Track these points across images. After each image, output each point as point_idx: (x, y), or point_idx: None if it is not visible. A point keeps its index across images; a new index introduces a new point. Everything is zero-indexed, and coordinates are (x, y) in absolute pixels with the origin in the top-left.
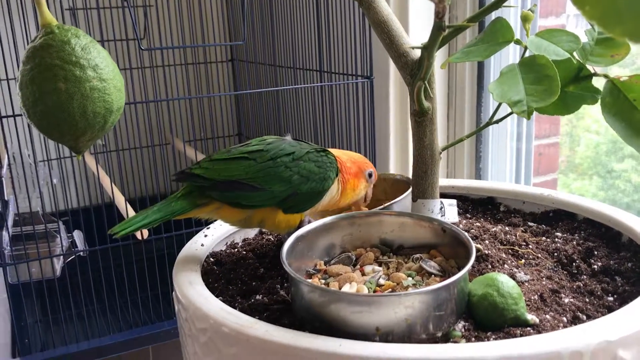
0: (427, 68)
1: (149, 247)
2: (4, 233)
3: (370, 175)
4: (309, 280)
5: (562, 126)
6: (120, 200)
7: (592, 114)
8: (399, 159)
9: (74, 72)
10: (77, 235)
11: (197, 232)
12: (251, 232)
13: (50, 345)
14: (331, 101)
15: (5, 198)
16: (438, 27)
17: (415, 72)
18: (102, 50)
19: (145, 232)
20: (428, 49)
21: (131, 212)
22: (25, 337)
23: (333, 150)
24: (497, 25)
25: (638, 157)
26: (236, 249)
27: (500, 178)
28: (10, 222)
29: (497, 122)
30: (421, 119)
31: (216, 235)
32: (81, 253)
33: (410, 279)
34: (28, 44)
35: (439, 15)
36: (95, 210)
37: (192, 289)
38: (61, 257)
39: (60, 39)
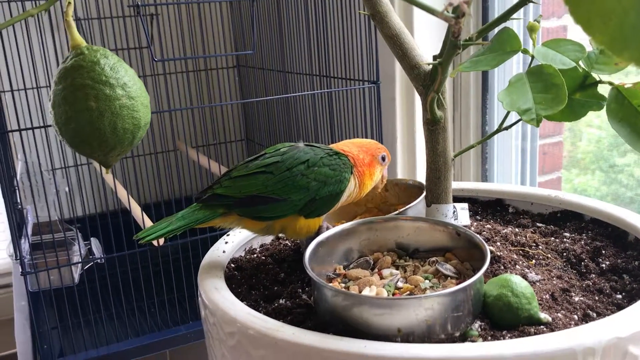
0: (441, 82)
1: (165, 252)
2: (24, 241)
3: (383, 158)
4: (332, 285)
5: (565, 123)
6: (135, 207)
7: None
8: (406, 163)
9: (104, 91)
10: (94, 243)
11: (211, 237)
12: (268, 238)
13: (69, 351)
14: (338, 106)
15: (23, 207)
16: (454, 46)
17: (428, 83)
18: (129, 69)
19: (162, 239)
20: (443, 65)
21: (147, 219)
22: (44, 344)
23: (344, 142)
24: (504, 35)
25: None
26: (255, 255)
27: (506, 178)
28: (29, 230)
29: (506, 129)
30: (434, 127)
31: (236, 241)
32: (99, 260)
33: (427, 281)
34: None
35: (455, 35)
36: (110, 217)
37: (218, 295)
38: (79, 264)
39: (90, 59)
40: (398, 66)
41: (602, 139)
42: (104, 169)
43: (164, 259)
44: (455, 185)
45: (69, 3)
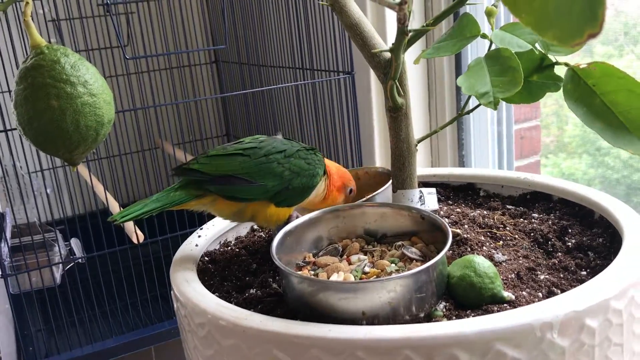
0: (396, 68)
1: (145, 250)
2: (3, 244)
3: (350, 191)
4: (299, 272)
5: (549, 106)
6: (114, 206)
7: None
8: (383, 152)
9: (65, 89)
10: (75, 243)
11: (191, 233)
12: (243, 230)
13: (54, 352)
14: (315, 97)
15: (1, 210)
16: (401, 32)
17: (388, 70)
18: (91, 67)
19: (141, 236)
20: (395, 52)
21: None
22: (29, 345)
23: (325, 161)
24: (464, 21)
25: None
26: (229, 247)
27: (483, 164)
28: (8, 233)
29: (467, 113)
30: (396, 114)
31: (209, 235)
32: (79, 260)
33: (393, 265)
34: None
35: (401, 22)
36: (89, 217)
37: (189, 287)
38: (60, 265)
39: (51, 58)
40: None
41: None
42: (79, 168)
43: (145, 257)
44: (427, 171)
45: (27, 3)
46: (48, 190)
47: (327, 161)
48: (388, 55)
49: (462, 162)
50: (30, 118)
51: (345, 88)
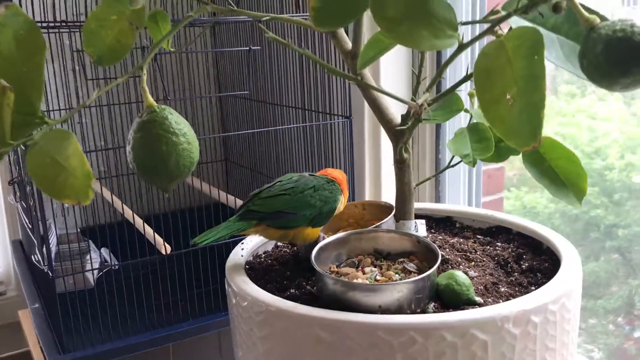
0: (408, 137)
1: (170, 260)
2: (53, 250)
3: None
4: (333, 275)
5: None
6: (137, 219)
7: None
8: (372, 187)
9: (172, 138)
10: (105, 252)
11: (209, 248)
12: (269, 246)
13: (89, 345)
14: (315, 137)
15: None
16: (418, 120)
17: (398, 133)
18: (185, 122)
19: (169, 248)
20: (409, 129)
21: (149, 229)
22: (70, 338)
23: (330, 170)
24: (452, 98)
25: (586, 170)
26: (262, 259)
27: (456, 199)
28: (54, 240)
29: (452, 166)
30: (402, 165)
31: (247, 249)
32: (114, 267)
33: (397, 275)
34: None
35: (418, 114)
36: (117, 228)
37: (246, 286)
38: (95, 270)
39: (161, 115)
40: (366, 104)
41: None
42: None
43: (169, 264)
44: (415, 205)
45: (144, 73)
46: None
47: (330, 171)
48: (398, 120)
49: (438, 197)
50: (144, 157)
51: (343, 130)
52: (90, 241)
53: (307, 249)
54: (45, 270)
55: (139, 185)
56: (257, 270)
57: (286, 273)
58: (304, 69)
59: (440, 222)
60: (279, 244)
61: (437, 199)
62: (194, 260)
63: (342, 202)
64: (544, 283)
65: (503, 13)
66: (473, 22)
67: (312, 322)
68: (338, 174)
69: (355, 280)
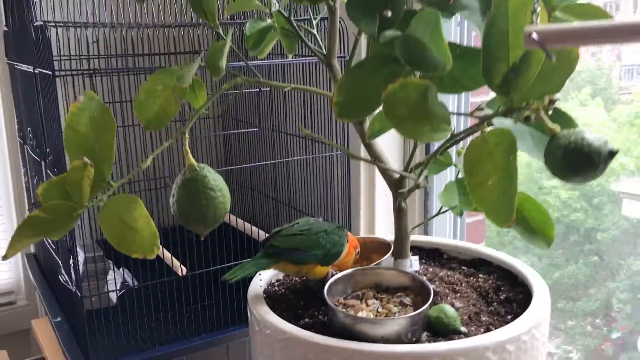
0: (407, 196)
1: (186, 281)
2: (81, 270)
3: (357, 253)
4: (344, 310)
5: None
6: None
7: None
8: (367, 222)
9: (210, 194)
10: (126, 272)
11: (220, 269)
12: (281, 275)
13: (112, 356)
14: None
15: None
16: (416, 187)
17: (397, 189)
18: (220, 178)
19: (184, 270)
20: (409, 192)
21: (168, 255)
22: (94, 350)
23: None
24: (442, 156)
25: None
26: (276, 287)
27: (441, 232)
28: (81, 262)
29: (441, 214)
30: (400, 214)
31: (264, 279)
32: (134, 286)
33: (395, 308)
34: None
35: (416, 187)
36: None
37: (268, 315)
38: (116, 290)
39: (201, 174)
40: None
41: (532, 162)
42: None
43: (185, 283)
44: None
45: (186, 137)
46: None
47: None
48: (397, 176)
49: (426, 230)
50: (187, 209)
51: (341, 165)
52: (111, 261)
53: (317, 281)
54: (74, 290)
55: (150, 201)
56: (274, 299)
57: (300, 302)
58: (307, 107)
59: (430, 253)
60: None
61: (425, 232)
62: (206, 281)
63: (346, 251)
64: (518, 313)
65: (487, 110)
66: (458, 114)
67: (326, 350)
68: (351, 235)
69: (360, 314)
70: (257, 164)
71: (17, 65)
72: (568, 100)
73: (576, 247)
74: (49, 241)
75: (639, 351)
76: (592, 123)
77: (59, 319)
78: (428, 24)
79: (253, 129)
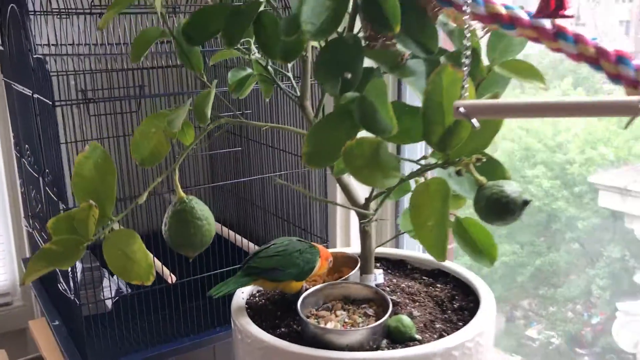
0: (371, 220)
1: (175, 288)
2: (79, 279)
3: (330, 261)
4: (314, 322)
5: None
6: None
7: (507, 123)
8: (343, 232)
9: (197, 223)
10: (120, 280)
11: (207, 276)
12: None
13: (108, 357)
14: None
15: None
16: (372, 219)
17: (363, 215)
18: (206, 207)
19: (174, 278)
20: (368, 221)
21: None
22: (92, 352)
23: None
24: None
25: (549, 163)
26: (257, 298)
27: (412, 244)
28: (79, 271)
29: (400, 235)
30: (365, 234)
31: (246, 291)
32: (127, 294)
33: (360, 318)
34: None
35: (375, 220)
36: None
37: (249, 326)
38: (111, 296)
39: (190, 205)
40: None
41: (515, 152)
42: None
43: (174, 290)
44: (379, 250)
45: (176, 173)
46: None
47: (318, 245)
48: (362, 203)
49: (397, 244)
50: (177, 236)
51: (320, 182)
52: (105, 270)
53: (295, 295)
54: (73, 298)
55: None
56: (254, 309)
57: (277, 313)
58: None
59: (396, 264)
60: None
61: (396, 245)
62: (194, 288)
63: (319, 264)
64: (468, 320)
65: (430, 159)
66: (408, 160)
67: (300, 357)
68: (323, 249)
69: (329, 324)
70: (241, 180)
71: (13, 84)
72: (550, 89)
73: (558, 235)
74: None
75: (614, 338)
76: None
77: (57, 322)
78: (378, 91)
79: (237, 149)
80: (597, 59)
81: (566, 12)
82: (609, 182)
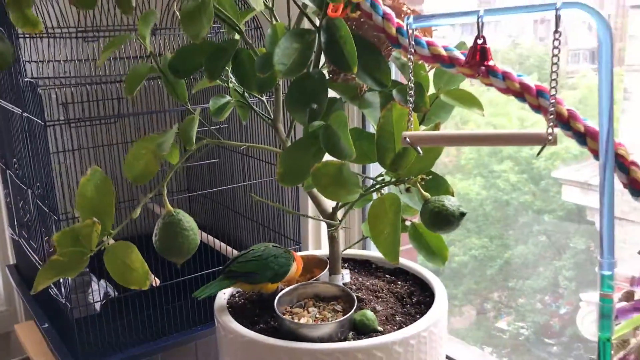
0: (337, 228)
1: (159, 290)
2: (68, 285)
3: (307, 269)
4: (289, 318)
5: (449, 129)
6: None
7: (476, 120)
8: (314, 235)
9: (184, 233)
10: (107, 284)
11: (187, 279)
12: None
13: (98, 356)
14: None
15: None
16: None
17: (330, 222)
18: (192, 219)
19: (158, 281)
20: (335, 229)
21: None
22: (83, 352)
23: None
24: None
25: (516, 158)
26: (237, 298)
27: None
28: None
29: (363, 239)
30: (332, 240)
31: (227, 292)
32: (114, 296)
33: (329, 314)
34: None
35: (340, 228)
36: None
37: (231, 324)
38: (99, 298)
39: (177, 218)
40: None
41: (482, 147)
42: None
43: (159, 292)
44: (347, 252)
45: (164, 190)
46: None
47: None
48: (330, 212)
49: (365, 245)
50: (166, 246)
51: (292, 194)
52: (93, 275)
53: (272, 295)
54: (64, 302)
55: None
56: (235, 308)
57: (256, 311)
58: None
59: (362, 264)
60: None
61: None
62: (177, 290)
63: (295, 268)
64: (424, 313)
65: (385, 177)
66: (368, 177)
67: (277, 349)
68: (297, 255)
69: (303, 320)
70: (217, 189)
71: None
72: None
73: (525, 228)
74: (36, 257)
75: (578, 327)
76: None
77: (46, 325)
78: (340, 121)
79: (214, 160)
80: (521, 92)
81: (489, 63)
82: (571, 177)
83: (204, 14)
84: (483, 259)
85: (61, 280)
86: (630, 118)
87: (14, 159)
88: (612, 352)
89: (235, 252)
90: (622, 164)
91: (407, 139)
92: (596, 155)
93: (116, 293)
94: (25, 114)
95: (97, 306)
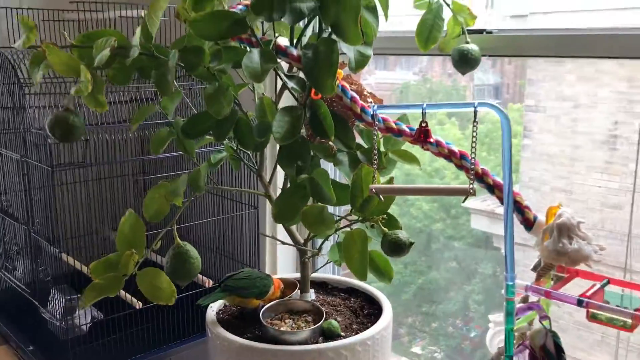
0: (312, 256)
1: (141, 312)
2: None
3: (282, 288)
4: (273, 327)
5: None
6: None
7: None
8: (270, 262)
9: (190, 261)
10: (91, 308)
11: (182, 298)
12: (222, 306)
13: None
14: (224, 224)
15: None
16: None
17: (302, 253)
18: (194, 249)
19: (140, 304)
20: (308, 258)
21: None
22: None
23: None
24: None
25: None
26: (221, 315)
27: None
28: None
29: (327, 264)
30: (304, 265)
31: (214, 307)
32: (101, 318)
33: (303, 324)
34: None
35: (314, 256)
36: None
37: (225, 334)
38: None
39: (185, 249)
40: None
41: (397, 177)
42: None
43: (141, 313)
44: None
45: (174, 226)
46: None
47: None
48: (302, 241)
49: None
50: (175, 271)
51: (252, 220)
52: (78, 296)
53: (250, 310)
54: (59, 324)
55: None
56: (222, 322)
57: (240, 324)
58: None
59: (319, 285)
60: (227, 304)
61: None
62: (163, 312)
63: (273, 289)
64: (374, 322)
65: (353, 216)
66: (341, 217)
67: (264, 352)
68: (276, 279)
69: (283, 329)
70: (184, 225)
71: None
72: (429, 119)
73: (437, 254)
74: (22, 286)
75: (487, 347)
76: (448, 139)
77: (31, 347)
78: (322, 176)
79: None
80: (449, 155)
81: (430, 140)
82: (479, 207)
83: (223, 97)
84: (398, 285)
85: (56, 305)
86: (529, 155)
87: (3, 197)
88: (515, 340)
89: (205, 279)
90: (519, 208)
91: (374, 190)
92: (501, 201)
93: (101, 316)
94: (24, 159)
95: (84, 328)
